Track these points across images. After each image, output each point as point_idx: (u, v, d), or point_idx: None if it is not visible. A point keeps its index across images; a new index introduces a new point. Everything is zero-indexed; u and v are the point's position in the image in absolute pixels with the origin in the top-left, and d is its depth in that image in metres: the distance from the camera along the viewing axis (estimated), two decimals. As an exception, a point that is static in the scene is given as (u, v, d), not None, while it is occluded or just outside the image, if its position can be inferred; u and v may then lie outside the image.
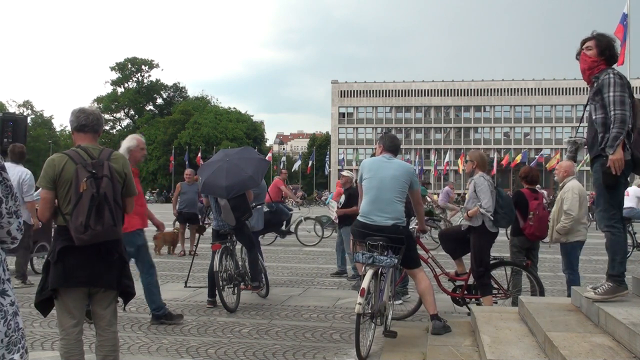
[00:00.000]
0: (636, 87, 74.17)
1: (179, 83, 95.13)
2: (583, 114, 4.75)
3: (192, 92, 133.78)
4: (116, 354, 3.68)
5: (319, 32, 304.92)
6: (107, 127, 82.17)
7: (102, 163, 3.46)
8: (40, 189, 3.55)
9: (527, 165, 16.39)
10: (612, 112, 4.27)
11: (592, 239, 16.36)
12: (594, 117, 4.43)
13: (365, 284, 4.85)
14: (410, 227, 6.44)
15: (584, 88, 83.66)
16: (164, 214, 31.39)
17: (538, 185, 7.53)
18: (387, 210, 5.30)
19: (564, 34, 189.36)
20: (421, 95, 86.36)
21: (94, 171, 3.41)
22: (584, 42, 4.57)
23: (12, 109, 76.13)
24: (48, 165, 3.50)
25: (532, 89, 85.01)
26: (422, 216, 6.06)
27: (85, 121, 3.62)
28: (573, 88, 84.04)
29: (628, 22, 36.37)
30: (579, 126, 4.73)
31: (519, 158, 50.52)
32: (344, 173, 10.59)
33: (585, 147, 4.66)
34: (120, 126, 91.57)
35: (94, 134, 3.66)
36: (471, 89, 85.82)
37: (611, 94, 4.30)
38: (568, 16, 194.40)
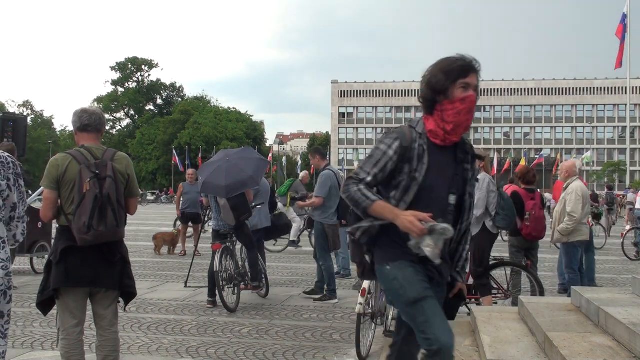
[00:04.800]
0: (636, 87, 74.18)
1: (175, 83, 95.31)
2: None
3: (192, 92, 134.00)
4: (117, 354, 3.68)
5: (319, 32, 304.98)
6: (107, 127, 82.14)
7: (105, 164, 3.46)
8: (42, 188, 3.56)
9: (525, 165, 16.45)
10: (468, 226, 2.92)
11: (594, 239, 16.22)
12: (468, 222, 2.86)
13: (366, 284, 4.86)
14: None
15: (584, 88, 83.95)
16: (166, 214, 31.40)
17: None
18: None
19: (564, 34, 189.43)
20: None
21: (97, 172, 3.41)
22: (465, 72, 2.65)
23: (12, 109, 76.08)
24: (51, 165, 3.49)
25: (532, 89, 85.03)
26: None
27: (88, 121, 3.62)
28: (573, 88, 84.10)
29: (628, 22, 36.38)
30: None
31: (522, 161, 50.67)
32: None
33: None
34: (121, 126, 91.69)
35: (97, 134, 3.66)
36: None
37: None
38: (568, 16, 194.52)
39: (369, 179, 2.71)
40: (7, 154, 3.13)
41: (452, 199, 2.77)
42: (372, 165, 2.72)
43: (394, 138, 2.72)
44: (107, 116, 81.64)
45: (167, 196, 63.37)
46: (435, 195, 2.72)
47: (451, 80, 2.64)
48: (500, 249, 10.35)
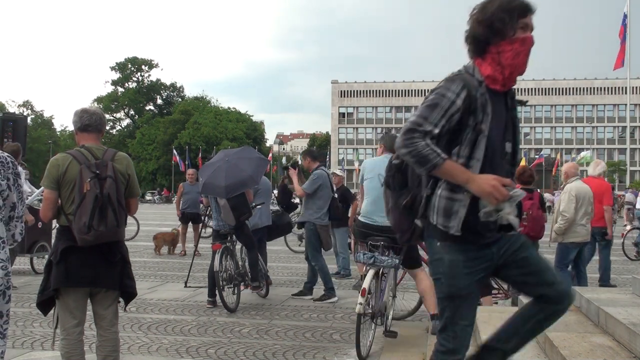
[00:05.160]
0: (636, 87, 74.17)
1: (176, 83, 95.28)
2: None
3: (192, 92, 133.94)
4: (117, 354, 3.68)
5: (319, 32, 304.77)
6: (107, 127, 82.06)
7: (105, 164, 3.46)
8: (43, 188, 3.56)
9: (524, 165, 16.51)
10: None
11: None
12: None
13: (366, 284, 4.86)
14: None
15: (584, 88, 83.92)
16: (165, 214, 31.41)
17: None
18: (388, 211, 5.30)
19: (563, 33, 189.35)
20: (421, 95, 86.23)
21: (97, 172, 3.41)
22: (525, 11, 2.48)
23: (12, 109, 76.08)
24: (52, 165, 3.50)
25: (532, 89, 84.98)
26: None
27: (88, 121, 3.63)
28: (573, 88, 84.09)
29: (628, 22, 36.40)
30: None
31: (523, 162, 50.65)
32: (337, 172, 10.66)
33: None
34: (121, 126, 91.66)
35: (97, 134, 3.67)
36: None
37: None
38: (568, 16, 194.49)
39: (436, 130, 2.38)
40: (6, 153, 3.13)
41: (509, 146, 2.57)
42: (440, 115, 2.39)
43: (460, 86, 2.42)
44: (107, 116, 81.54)
45: (161, 197, 63.47)
46: (496, 147, 2.49)
47: (512, 18, 2.44)
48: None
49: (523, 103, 2.71)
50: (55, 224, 3.63)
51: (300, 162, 13.65)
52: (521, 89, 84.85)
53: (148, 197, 64.05)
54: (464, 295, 2.52)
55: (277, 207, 9.93)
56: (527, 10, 2.47)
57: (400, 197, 2.66)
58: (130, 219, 15.74)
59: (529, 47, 2.48)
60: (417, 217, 2.60)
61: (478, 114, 2.43)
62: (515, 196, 2.38)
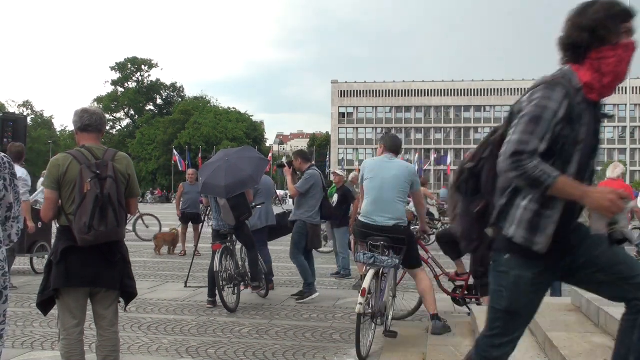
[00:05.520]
0: (636, 87, 74.17)
1: (176, 83, 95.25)
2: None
3: (192, 92, 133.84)
4: (117, 354, 3.68)
5: (319, 32, 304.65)
6: (107, 127, 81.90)
7: (106, 164, 3.46)
8: (43, 189, 3.57)
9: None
10: None
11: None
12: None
13: (366, 284, 4.87)
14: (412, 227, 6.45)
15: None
16: (165, 214, 31.41)
17: None
18: (388, 211, 5.32)
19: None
20: (421, 95, 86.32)
21: (98, 172, 3.41)
22: (628, 16, 2.39)
23: (12, 109, 75.98)
24: (52, 166, 3.51)
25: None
26: (424, 217, 6.08)
27: (89, 121, 3.63)
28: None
29: (628, 23, 36.19)
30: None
31: None
32: (338, 172, 10.65)
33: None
34: (121, 126, 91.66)
35: (97, 134, 3.68)
36: (471, 89, 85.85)
37: None
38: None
39: (543, 146, 2.24)
40: (3, 154, 3.13)
41: (593, 164, 2.43)
42: (545, 129, 2.24)
43: (563, 93, 2.28)
44: (107, 116, 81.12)
45: (154, 197, 63.48)
46: (584, 163, 2.34)
47: (616, 23, 2.34)
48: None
49: (609, 116, 2.56)
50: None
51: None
52: (521, 88, 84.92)
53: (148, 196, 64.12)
54: (524, 312, 2.44)
55: (282, 208, 9.91)
56: (630, 15, 2.39)
57: (472, 203, 2.51)
58: (152, 219, 15.86)
59: (632, 54, 2.39)
60: (487, 226, 2.47)
61: (575, 124, 2.30)
62: (628, 208, 2.27)
